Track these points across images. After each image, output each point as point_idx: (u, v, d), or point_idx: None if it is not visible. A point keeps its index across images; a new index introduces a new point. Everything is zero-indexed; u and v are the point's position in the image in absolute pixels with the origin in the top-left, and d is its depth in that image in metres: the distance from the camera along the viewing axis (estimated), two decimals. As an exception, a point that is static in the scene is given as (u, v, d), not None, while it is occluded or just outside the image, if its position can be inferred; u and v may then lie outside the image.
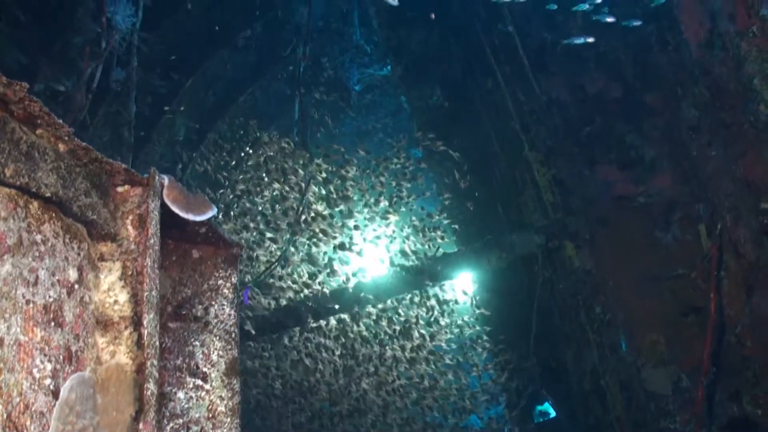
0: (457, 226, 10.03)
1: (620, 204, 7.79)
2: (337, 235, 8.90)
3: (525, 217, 9.33)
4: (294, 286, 8.87)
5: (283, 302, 8.88)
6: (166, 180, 2.91)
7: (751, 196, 6.04)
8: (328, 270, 9.02)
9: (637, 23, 6.86)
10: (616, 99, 7.53)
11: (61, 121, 2.36)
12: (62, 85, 5.92)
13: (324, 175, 8.78)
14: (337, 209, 9.07)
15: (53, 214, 2.45)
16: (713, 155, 6.65)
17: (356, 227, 9.21)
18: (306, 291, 8.93)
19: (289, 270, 8.80)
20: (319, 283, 8.97)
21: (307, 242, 8.82)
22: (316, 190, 8.69)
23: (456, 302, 10.05)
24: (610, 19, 6.91)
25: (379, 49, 13.08)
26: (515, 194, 9.45)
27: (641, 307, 7.58)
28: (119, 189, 2.84)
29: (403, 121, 14.28)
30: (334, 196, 9.01)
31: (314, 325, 9.19)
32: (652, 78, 7.36)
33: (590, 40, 7.04)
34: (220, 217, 9.05)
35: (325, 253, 9.02)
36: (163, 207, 2.90)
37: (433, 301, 9.81)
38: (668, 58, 6.95)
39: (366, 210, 9.36)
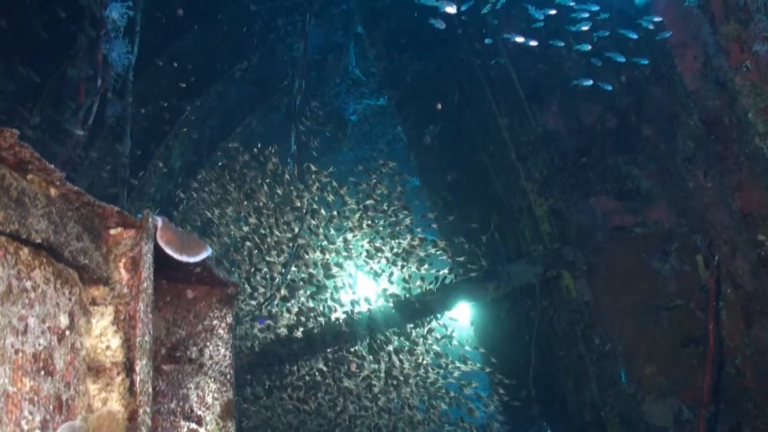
0: (454, 256, 10.00)
1: (617, 234, 7.78)
2: (331, 267, 8.86)
3: (522, 247, 9.31)
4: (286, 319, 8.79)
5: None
6: (159, 222, 2.89)
7: (748, 228, 6.04)
8: (321, 302, 8.97)
9: (621, 59, 6.92)
10: (612, 130, 7.57)
11: (52, 166, 2.34)
12: (59, 118, 5.93)
13: (319, 205, 8.76)
14: (332, 239, 9.04)
15: (44, 260, 2.42)
16: (709, 187, 6.67)
17: (350, 257, 9.17)
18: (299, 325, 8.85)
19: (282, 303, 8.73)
20: (312, 317, 8.90)
21: (302, 273, 8.76)
22: (312, 221, 8.66)
23: (453, 333, 9.96)
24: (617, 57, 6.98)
25: (376, 80, 13.19)
26: (512, 223, 9.45)
27: (640, 338, 7.54)
28: (112, 231, 2.81)
29: (399, 150, 14.36)
30: (329, 224, 8.98)
31: (305, 359, 9.09)
32: (647, 109, 7.40)
33: (589, 83, 7.10)
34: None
35: (318, 282, 8.96)
36: (158, 247, 2.87)
37: (429, 333, 9.71)
38: (663, 90, 7.00)
39: (360, 240, 9.32)
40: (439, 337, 9.67)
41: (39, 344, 2.33)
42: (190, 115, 9.91)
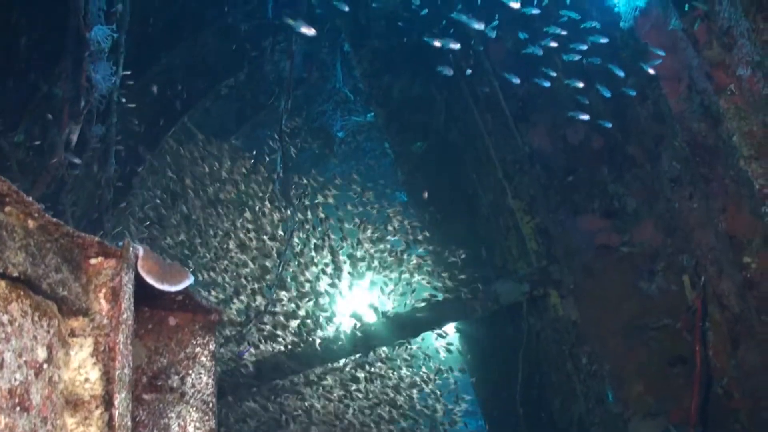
0: (441, 273, 9.96)
1: (603, 253, 7.79)
2: (316, 287, 8.81)
3: (509, 264, 9.30)
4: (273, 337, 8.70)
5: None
6: (140, 251, 2.84)
7: (734, 251, 6.06)
8: (308, 320, 8.89)
9: (608, 94, 6.97)
10: (598, 149, 7.60)
11: (30, 198, 2.31)
12: (42, 137, 5.87)
13: (306, 224, 8.71)
14: (317, 259, 8.98)
15: (21, 292, 2.36)
16: (695, 208, 6.69)
17: (337, 276, 9.12)
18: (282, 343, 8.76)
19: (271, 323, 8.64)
20: (298, 335, 8.82)
21: (288, 295, 8.70)
22: (297, 241, 8.61)
23: (439, 352, 9.92)
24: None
25: (363, 96, 13.17)
26: (500, 240, 9.44)
27: (627, 358, 7.53)
28: (92, 261, 2.76)
29: (387, 166, 14.33)
30: (316, 244, 8.93)
31: (291, 379, 9.00)
32: (633, 129, 7.44)
33: (585, 117, 7.13)
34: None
35: (304, 302, 8.89)
36: (139, 276, 2.83)
37: (416, 351, 9.66)
38: (648, 111, 7.03)
39: (347, 258, 9.27)
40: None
41: (15, 379, 2.27)
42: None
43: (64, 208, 5.95)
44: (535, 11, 7.13)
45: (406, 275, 9.59)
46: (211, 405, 3.43)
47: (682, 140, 6.43)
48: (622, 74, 6.77)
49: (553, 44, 6.91)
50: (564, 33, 6.91)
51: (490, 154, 8.80)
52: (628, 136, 7.40)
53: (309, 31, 6.93)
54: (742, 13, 4.79)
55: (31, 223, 2.38)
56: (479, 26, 7.00)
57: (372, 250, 9.27)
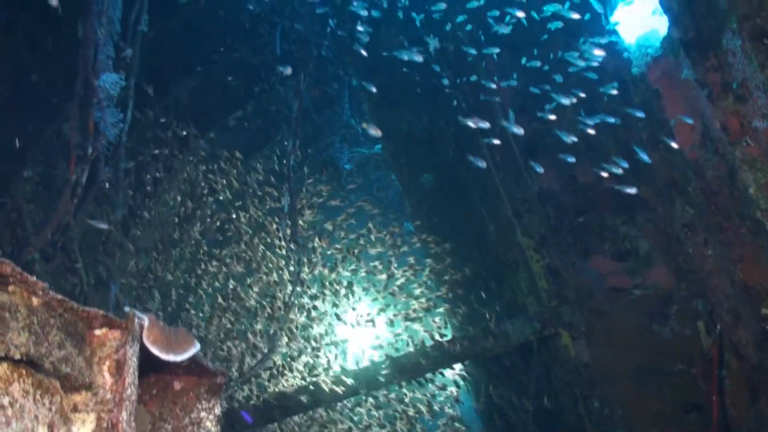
0: (451, 311, 9.85)
1: (615, 296, 7.66)
2: (322, 324, 8.71)
3: (519, 299, 9.17)
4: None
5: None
6: (146, 321, 2.79)
7: (751, 301, 5.95)
8: (314, 359, 8.78)
9: (625, 164, 6.92)
10: (609, 190, 7.50)
11: (34, 278, 2.27)
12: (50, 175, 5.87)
13: (313, 264, 8.64)
14: (324, 297, 8.89)
15: (23, 372, 2.30)
16: (710, 254, 6.59)
17: (343, 313, 9.02)
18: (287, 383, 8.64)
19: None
20: (302, 376, 8.70)
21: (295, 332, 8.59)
22: (306, 278, 8.52)
23: (448, 391, 9.77)
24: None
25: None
26: (509, 275, 9.33)
27: (641, 403, 7.36)
28: (96, 332, 2.70)
29: (394, 197, 14.27)
30: (323, 283, 8.86)
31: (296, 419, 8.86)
32: (645, 172, 7.36)
33: (573, 139, 7.07)
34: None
35: (312, 341, 8.79)
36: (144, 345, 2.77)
37: (424, 392, 9.51)
38: (660, 156, 6.96)
39: (355, 295, 9.19)
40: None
41: (15, 464, 2.21)
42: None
43: (70, 251, 5.92)
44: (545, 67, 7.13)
45: (413, 312, 9.48)
46: (216, 471, 3.34)
47: (696, 187, 6.36)
48: (645, 156, 6.68)
49: (565, 101, 6.86)
50: (582, 96, 6.86)
51: (498, 191, 8.74)
52: (639, 178, 7.32)
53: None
54: (758, 68, 4.74)
55: (35, 301, 2.34)
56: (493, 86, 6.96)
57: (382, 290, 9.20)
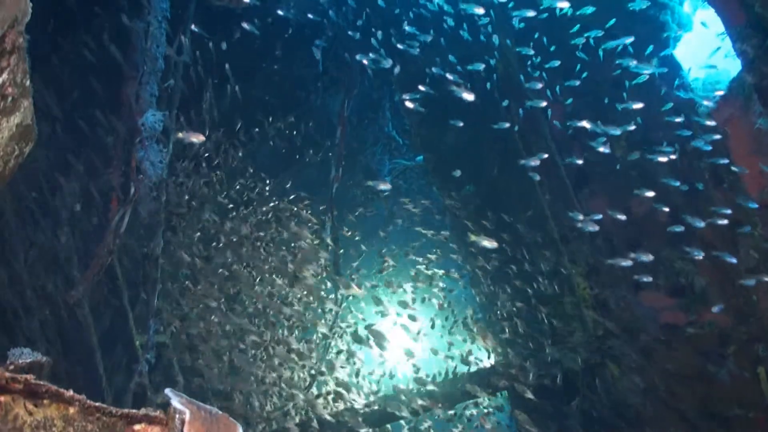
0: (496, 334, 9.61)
1: (669, 332, 7.35)
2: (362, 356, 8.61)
3: (565, 325, 8.89)
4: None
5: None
6: (187, 415, 2.66)
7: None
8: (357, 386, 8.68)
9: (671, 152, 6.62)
10: (663, 224, 7.19)
11: (71, 392, 2.26)
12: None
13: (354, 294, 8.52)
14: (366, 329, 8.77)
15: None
16: (774, 302, 6.29)
17: (387, 340, 8.88)
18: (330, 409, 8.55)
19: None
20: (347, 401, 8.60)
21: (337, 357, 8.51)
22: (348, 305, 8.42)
23: (492, 417, 9.58)
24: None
25: (412, 141, 12.95)
26: (553, 300, 9.05)
27: (693, 446, 7.06)
28: (136, 427, 2.61)
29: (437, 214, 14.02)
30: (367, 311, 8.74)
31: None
32: (704, 210, 7.01)
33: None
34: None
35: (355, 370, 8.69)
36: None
37: (468, 419, 9.34)
38: (723, 196, 6.65)
39: (398, 321, 9.06)
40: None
41: None
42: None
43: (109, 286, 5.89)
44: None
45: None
46: None
47: (763, 232, 6.06)
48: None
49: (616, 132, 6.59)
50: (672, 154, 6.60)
51: (545, 215, 8.48)
52: (698, 213, 6.98)
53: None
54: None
55: (71, 410, 2.30)
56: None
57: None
